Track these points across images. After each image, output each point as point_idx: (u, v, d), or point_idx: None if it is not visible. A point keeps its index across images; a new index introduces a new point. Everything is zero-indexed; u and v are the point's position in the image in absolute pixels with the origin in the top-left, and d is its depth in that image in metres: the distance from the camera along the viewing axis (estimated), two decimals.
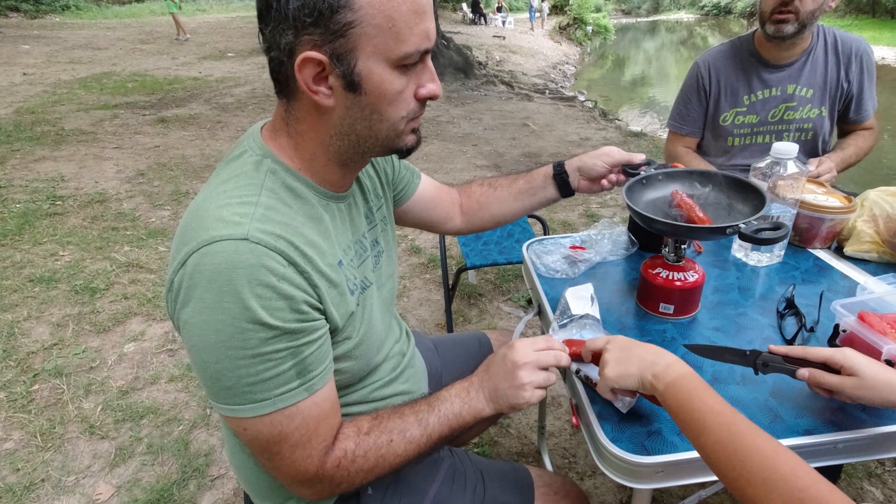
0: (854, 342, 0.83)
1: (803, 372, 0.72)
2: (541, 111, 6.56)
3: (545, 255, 1.19)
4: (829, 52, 1.62)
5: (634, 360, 0.71)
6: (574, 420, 0.87)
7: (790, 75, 1.62)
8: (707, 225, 0.90)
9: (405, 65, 0.62)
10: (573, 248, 1.22)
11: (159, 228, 3.25)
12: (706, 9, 36.63)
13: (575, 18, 20.03)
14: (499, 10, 21.01)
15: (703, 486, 0.81)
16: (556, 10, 22.73)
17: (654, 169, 0.99)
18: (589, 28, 20.28)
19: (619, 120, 7.21)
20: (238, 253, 0.57)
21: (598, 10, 22.78)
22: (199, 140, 5.09)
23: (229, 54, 10.40)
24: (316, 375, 0.65)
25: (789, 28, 1.48)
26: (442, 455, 0.97)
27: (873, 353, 0.78)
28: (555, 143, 4.99)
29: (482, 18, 18.89)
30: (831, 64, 1.62)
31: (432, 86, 0.66)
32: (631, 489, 0.75)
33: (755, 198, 0.88)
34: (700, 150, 1.83)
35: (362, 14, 0.56)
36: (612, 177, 1.01)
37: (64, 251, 2.94)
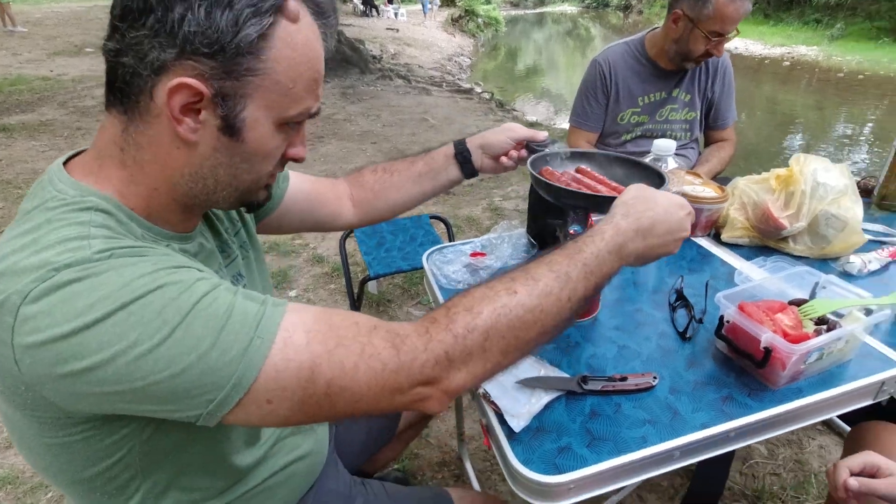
0: (737, 331, 0.87)
1: (853, 483, 0.71)
2: (439, 104, 6.56)
3: (445, 265, 1.15)
4: (703, 63, 1.78)
5: None
6: (486, 442, 0.84)
7: (676, 81, 1.78)
8: (612, 195, 0.87)
9: (287, 123, 0.57)
10: (474, 255, 1.19)
11: None
12: (587, 2, 39.15)
13: (466, 10, 20.36)
14: (390, 1, 20.76)
15: (615, 491, 0.81)
16: (447, 1, 22.98)
17: (558, 148, 0.97)
18: (480, 20, 20.72)
19: (515, 111, 7.43)
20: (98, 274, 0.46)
21: (487, 1, 23.34)
22: (53, 151, 4.44)
23: (88, 49, 9.17)
24: (270, 299, 0.52)
25: (703, 64, 1.72)
26: (353, 493, 0.90)
27: (753, 341, 0.83)
28: (455, 137, 4.91)
29: (374, 10, 18.54)
30: (703, 73, 1.81)
31: (301, 149, 0.63)
32: None
33: (654, 178, 0.89)
34: (598, 143, 1.94)
35: (268, 67, 0.52)
36: (514, 153, 0.96)
37: None
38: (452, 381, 0.53)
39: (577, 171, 0.95)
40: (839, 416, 1.67)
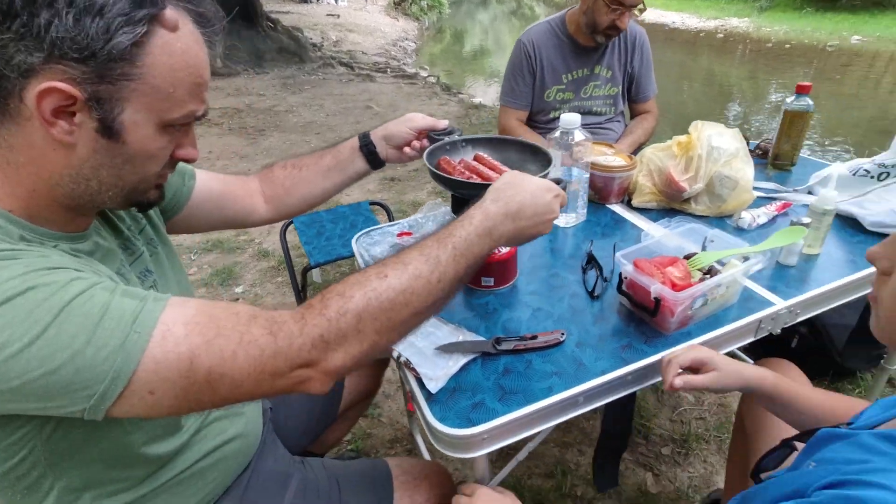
0: (634, 286, 0.95)
1: (678, 382, 0.79)
2: (383, 91, 6.51)
3: (373, 246, 1.19)
4: (621, 38, 1.89)
5: None
6: (409, 406, 0.90)
7: (596, 58, 1.88)
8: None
9: (172, 126, 0.59)
10: (401, 235, 1.23)
11: None
12: None
13: None
14: None
15: (531, 439, 0.88)
16: None
17: (458, 136, 1.02)
18: (423, 2, 20.48)
19: (461, 93, 7.45)
20: None
21: None
22: None
23: None
24: (151, 294, 0.54)
25: (614, 38, 1.80)
26: (290, 471, 0.93)
27: (646, 293, 0.91)
28: None
29: None
30: (622, 49, 1.91)
31: (192, 150, 0.65)
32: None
33: (544, 159, 0.96)
34: (528, 120, 2.01)
35: (144, 73, 0.54)
36: (416, 143, 1.01)
37: None
38: (331, 362, 0.57)
39: (475, 157, 1.01)
40: (751, 358, 1.82)
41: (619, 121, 2.09)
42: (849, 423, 0.58)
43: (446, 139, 1.00)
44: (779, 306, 0.97)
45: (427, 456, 1.63)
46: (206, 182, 0.91)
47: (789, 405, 0.78)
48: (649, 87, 2.01)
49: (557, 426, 1.72)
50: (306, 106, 5.65)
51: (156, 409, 0.52)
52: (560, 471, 1.57)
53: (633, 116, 2.11)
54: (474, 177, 0.93)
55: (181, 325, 0.52)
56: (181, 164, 0.89)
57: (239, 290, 2.52)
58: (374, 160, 1.01)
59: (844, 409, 0.75)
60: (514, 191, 0.70)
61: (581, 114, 1.97)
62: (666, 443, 1.66)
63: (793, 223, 1.04)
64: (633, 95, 2.02)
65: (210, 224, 0.95)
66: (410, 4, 19.58)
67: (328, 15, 13.84)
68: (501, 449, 0.83)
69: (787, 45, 11.87)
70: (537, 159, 0.99)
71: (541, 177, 0.85)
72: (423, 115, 1.01)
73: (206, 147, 4.22)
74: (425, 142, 1.01)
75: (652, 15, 17.99)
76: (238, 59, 7.00)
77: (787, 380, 0.80)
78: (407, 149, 1.01)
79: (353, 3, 17.56)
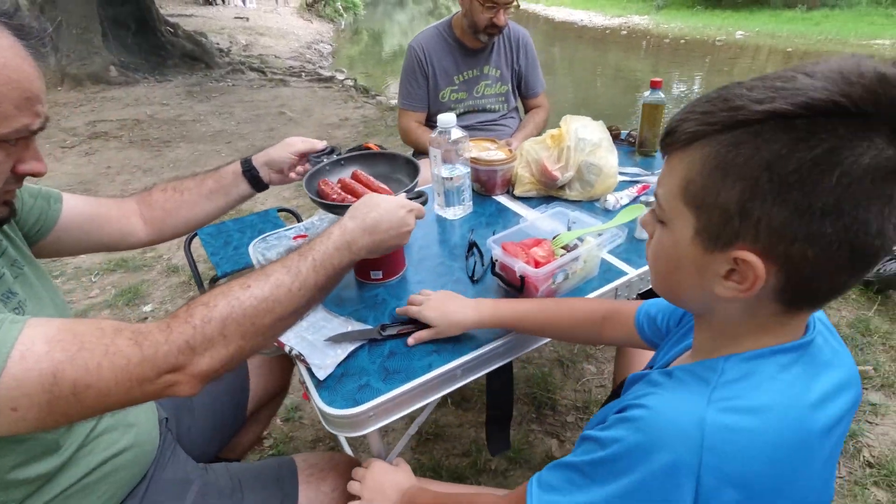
0: (504, 267, 1.06)
1: (411, 340, 0.94)
2: (296, 96, 6.39)
3: (268, 250, 1.23)
4: (505, 39, 2.02)
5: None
6: (304, 395, 0.95)
7: (484, 58, 2.00)
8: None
9: (7, 141, 0.60)
10: (297, 237, 1.27)
11: None
12: None
13: None
14: None
15: (419, 412, 0.96)
16: None
17: (337, 156, 1.09)
18: (338, 3, 20.20)
19: (379, 96, 7.46)
20: None
21: None
22: None
23: None
24: (8, 317, 0.54)
25: (496, 36, 1.91)
26: (191, 478, 0.94)
27: (513, 272, 1.02)
28: (314, 129, 4.94)
29: None
30: (507, 49, 2.04)
31: (35, 164, 0.65)
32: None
33: (412, 168, 1.05)
34: (428, 121, 2.10)
35: None
36: (300, 168, 1.07)
37: None
38: (197, 366, 0.60)
39: (353, 175, 1.09)
40: None
41: (513, 117, 2.24)
42: (651, 366, 0.70)
43: (325, 161, 1.07)
44: (631, 275, 1.11)
45: (349, 451, 1.67)
46: (74, 205, 0.91)
47: (519, 325, 0.95)
48: (537, 83, 2.17)
49: (473, 408, 1.82)
50: (215, 114, 5.45)
51: (21, 425, 0.54)
52: (476, 448, 1.68)
53: (526, 112, 2.27)
54: (349, 196, 1.01)
55: (42, 342, 0.53)
56: (45, 188, 0.90)
57: (147, 308, 2.43)
58: (257, 184, 1.06)
59: (567, 312, 0.94)
60: (369, 208, 0.80)
61: (476, 112, 2.12)
62: (570, 411, 1.81)
63: (640, 202, 1.19)
64: (523, 92, 2.17)
65: (83, 247, 0.95)
66: (324, 6, 19.24)
67: (236, 18, 13.31)
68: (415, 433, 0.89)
69: (683, 41, 12.84)
70: (406, 169, 1.08)
71: (406, 190, 0.95)
72: (303, 138, 1.07)
73: (104, 162, 3.98)
74: (307, 165, 1.08)
75: (561, 13, 18.83)
76: (136, 66, 6.62)
77: (510, 306, 0.95)
78: (292, 174, 1.07)
79: (262, 5, 16.99)
